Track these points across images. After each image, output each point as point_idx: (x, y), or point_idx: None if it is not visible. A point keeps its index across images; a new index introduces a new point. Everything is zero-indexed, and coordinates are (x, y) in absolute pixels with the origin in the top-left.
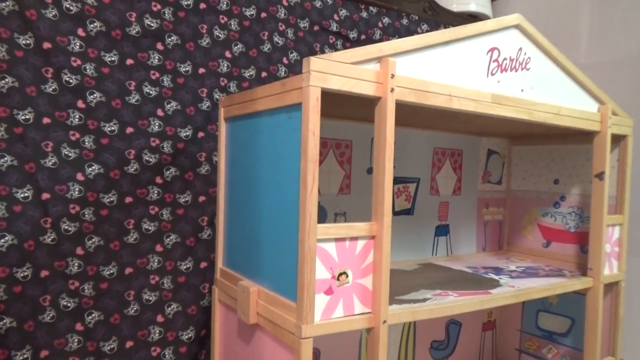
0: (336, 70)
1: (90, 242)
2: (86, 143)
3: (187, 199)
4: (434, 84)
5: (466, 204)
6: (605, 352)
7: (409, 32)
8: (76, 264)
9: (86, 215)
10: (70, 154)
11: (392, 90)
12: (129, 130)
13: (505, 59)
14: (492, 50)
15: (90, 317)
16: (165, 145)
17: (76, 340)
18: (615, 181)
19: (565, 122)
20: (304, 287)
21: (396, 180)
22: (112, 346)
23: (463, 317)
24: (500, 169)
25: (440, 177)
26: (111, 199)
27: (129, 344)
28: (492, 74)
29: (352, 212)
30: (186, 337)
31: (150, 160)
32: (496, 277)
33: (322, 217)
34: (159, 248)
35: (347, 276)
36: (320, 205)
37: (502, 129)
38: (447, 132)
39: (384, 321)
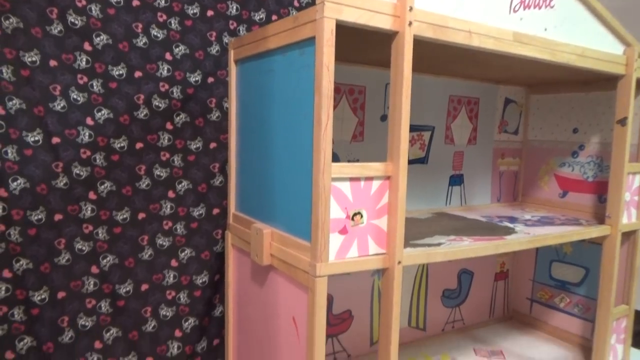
0: (351, 1)
1: (102, 187)
2: (94, 87)
3: (198, 145)
4: (453, 20)
5: (481, 154)
6: (619, 301)
7: None
8: (89, 209)
9: (97, 160)
10: (78, 98)
11: (410, 24)
12: (137, 74)
13: None
14: None
15: (105, 261)
16: (174, 91)
17: (92, 282)
18: (637, 128)
19: (589, 64)
20: (318, 226)
21: (410, 128)
22: (127, 289)
23: (475, 266)
24: (518, 118)
25: (455, 125)
26: (122, 145)
27: (144, 287)
28: (515, 11)
29: (365, 160)
30: (200, 281)
31: (160, 105)
32: (511, 225)
33: None
34: (171, 194)
35: (361, 216)
36: (334, 152)
37: (521, 74)
38: (463, 79)
39: (399, 262)
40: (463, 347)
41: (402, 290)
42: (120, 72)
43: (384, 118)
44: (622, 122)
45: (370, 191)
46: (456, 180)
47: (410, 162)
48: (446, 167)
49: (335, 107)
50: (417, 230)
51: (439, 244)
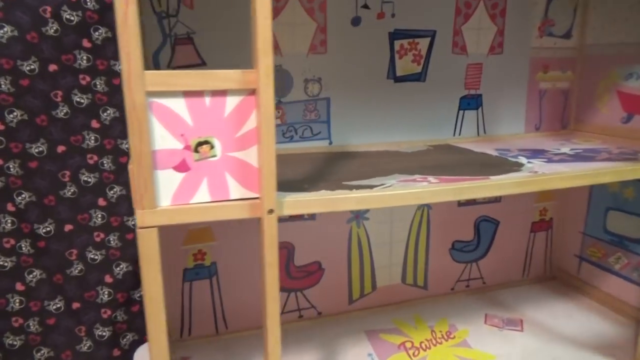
0: None
1: (11, 116)
2: None
3: None
4: None
5: (511, 67)
6: None
7: None
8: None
9: (2, 86)
10: None
11: None
12: None
13: None
14: None
15: (20, 198)
16: (88, 0)
17: (9, 221)
18: None
19: None
20: (135, 160)
21: (398, 35)
22: (48, 229)
23: (501, 214)
24: (570, 16)
25: (467, 28)
26: (32, 67)
27: (67, 227)
28: None
29: (329, 77)
30: (132, 222)
31: (72, 18)
32: (525, 161)
33: (288, 85)
34: (94, 124)
35: (212, 147)
36: (283, 69)
37: None
38: None
39: (270, 211)
40: (472, 311)
41: (396, 240)
42: None
43: (356, 21)
44: None
45: (224, 111)
46: (470, 102)
47: (399, 79)
48: (455, 86)
49: (280, 9)
50: (375, 167)
51: (378, 186)
